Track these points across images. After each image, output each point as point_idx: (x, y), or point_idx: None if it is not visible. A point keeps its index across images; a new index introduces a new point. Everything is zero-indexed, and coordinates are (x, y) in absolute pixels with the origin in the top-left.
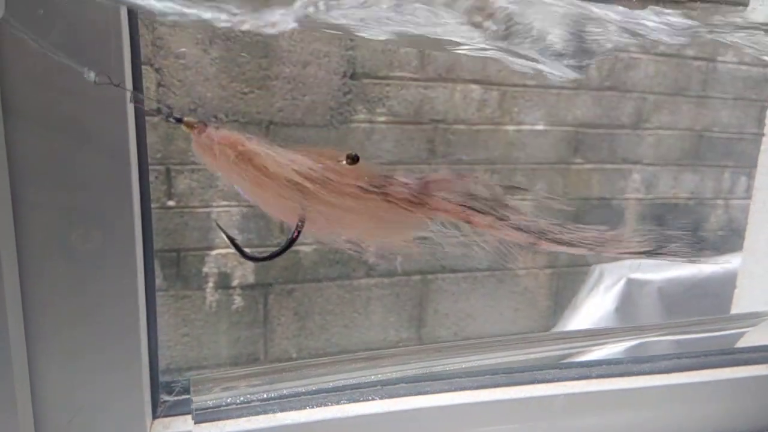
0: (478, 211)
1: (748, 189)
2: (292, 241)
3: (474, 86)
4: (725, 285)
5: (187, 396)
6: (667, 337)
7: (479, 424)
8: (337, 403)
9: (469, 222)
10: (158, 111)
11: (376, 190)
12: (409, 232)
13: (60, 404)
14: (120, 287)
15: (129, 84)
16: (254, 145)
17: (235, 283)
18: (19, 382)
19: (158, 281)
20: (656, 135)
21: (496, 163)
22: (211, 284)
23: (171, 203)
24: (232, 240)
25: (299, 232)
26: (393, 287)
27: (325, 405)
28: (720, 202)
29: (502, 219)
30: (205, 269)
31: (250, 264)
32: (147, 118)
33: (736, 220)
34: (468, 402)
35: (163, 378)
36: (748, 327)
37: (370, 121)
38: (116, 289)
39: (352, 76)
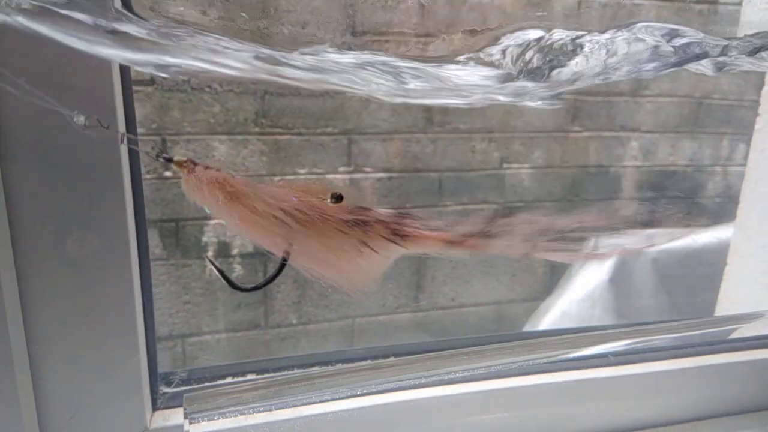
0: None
1: (746, 156)
2: (277, 273)
3: None
4: (719, 255)
5: (186, 387)
6: (660, 336)
7: (469, 414)
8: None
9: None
10: (147, 153)
11: (357, 225)
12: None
13: (62, 400)
14: (116, 284)
15: (121, 117)
16: (241, 185)
17: (234, 251)
18: (22, 381)
19: (158, 251)
20: (655, 102)
21: (494, 132)
22: (210, 253)
23: (168, 173)
24: (221, 272)
25: (284, 265)
26: None
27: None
28: (718, 169)
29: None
30: (204, 238)
31: None
32: (137, 93)
33: (733, 187)
34: (458, 392)
35: (163, 343)
36: (738, 325)
37: None
38: (113, 286)
39: (353, 33)
